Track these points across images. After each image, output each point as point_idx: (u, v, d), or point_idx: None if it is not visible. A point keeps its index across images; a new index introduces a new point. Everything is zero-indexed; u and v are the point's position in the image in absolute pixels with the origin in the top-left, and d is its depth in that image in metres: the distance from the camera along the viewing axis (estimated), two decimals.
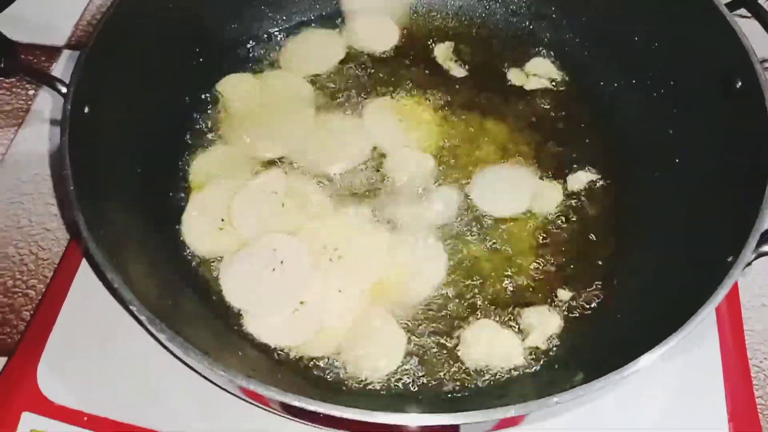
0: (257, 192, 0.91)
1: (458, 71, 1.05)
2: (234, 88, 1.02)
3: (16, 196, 1.04)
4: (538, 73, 1.04)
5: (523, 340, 0.83)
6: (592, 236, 0.91)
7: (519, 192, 0.92)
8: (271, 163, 0.95)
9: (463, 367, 0.81)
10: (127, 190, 0.84)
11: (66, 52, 1.19)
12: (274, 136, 0.97)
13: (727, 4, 0.85)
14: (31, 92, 1.15)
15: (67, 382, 0.81)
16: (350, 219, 0.89)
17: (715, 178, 0.82)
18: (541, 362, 0.81)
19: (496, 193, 0.92)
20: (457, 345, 0.82)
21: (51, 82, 0.77)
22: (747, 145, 0.78)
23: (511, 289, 0.86)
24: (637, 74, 0.97)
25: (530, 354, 0.82)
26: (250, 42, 1.07)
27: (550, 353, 0.82)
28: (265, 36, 1.08)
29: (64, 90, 0.77)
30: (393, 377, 0.80)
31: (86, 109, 0.77)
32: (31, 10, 1.20)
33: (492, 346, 0.82)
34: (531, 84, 1.03)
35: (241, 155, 0.96)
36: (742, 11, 0.86)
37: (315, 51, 1.05)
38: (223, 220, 0.88)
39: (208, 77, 1.02)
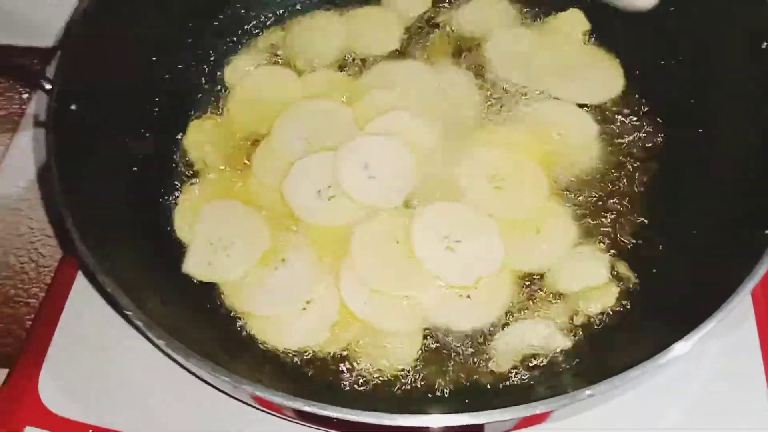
0: None
1: None
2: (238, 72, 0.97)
3: (14, 203, 1.02)
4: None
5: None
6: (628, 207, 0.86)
7: None
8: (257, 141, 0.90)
9: (490, 358, 0.77)
10: (120, 190, 0.81)
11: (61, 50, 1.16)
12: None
13: None
14: (25, 96, 1.13)
15: (70, 394, 0.79)
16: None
17: (746, 150, 0.78)
18: (572, 352, 0.77)
19: None
20: (482, 335, 0.78)
21: (35, 80, 0.74)
22: None
23: None
24: (661, 49, 0.91)
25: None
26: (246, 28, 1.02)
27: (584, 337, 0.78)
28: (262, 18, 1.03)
29: (49, 87, 0.74)
30: (409, 374, 0.76)
31: (73, 107, 0.74)
32: (20, 12, 1.17)
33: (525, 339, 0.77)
34: None
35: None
36: None
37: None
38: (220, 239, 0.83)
39: (206, 69, 0.98)
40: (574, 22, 0.98)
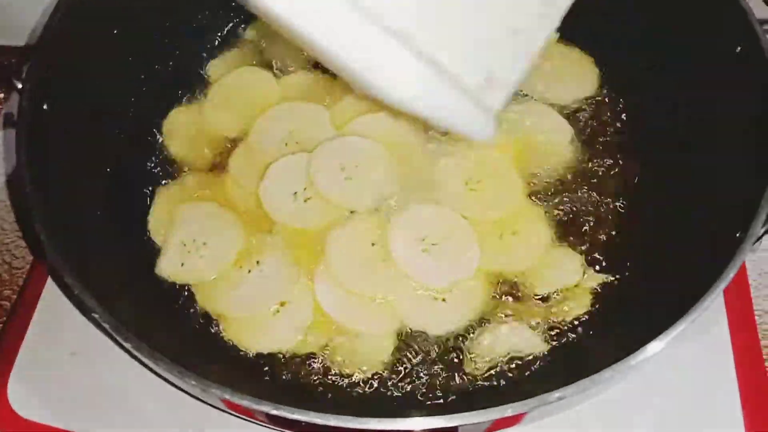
0: None
1: None
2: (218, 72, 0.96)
3: None
4: None
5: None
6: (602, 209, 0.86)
7: None
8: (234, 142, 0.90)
9: (465, 361, 0.77)
10: (93, 191, 0.79)
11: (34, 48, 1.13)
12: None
13: None
14: (1, 95, 1.11)
15: (39, 398, 0.78)
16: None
17: (720, 151, 0.78)
18: (546, 355, 0.77)
19: None
20: (457, 338, 0.78)
21: (6, 77, 0.73)
22: (752, 113, 0.74)
23: None
24: (635, 48, 0.91)
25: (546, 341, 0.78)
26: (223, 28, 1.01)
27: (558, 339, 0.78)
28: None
29: (20, 86, 0.73)
30: (383, 376, 0.76)
31: (45, 106, 0.73)
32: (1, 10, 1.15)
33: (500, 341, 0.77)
34: None
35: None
36: None
37: None
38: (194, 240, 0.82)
39: (184, 69, 0.97)
40: None
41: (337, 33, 0.56)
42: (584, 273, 0.81)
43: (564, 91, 0.93)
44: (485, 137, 0.74)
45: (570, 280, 0.80)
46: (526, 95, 0.93)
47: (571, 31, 0.94)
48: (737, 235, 0.64)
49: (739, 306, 0.83)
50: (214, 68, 0.97)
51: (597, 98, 0.94)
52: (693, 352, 0.79)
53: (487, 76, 0.65)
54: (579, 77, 0.95)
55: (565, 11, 0.64)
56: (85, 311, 0.66)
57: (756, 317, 0.84)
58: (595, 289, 0.80)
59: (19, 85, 0.73)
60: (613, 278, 0.80)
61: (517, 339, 0.77)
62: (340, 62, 0.58)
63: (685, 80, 0.85)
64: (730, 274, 0.63)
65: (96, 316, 0.59)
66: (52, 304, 0.84)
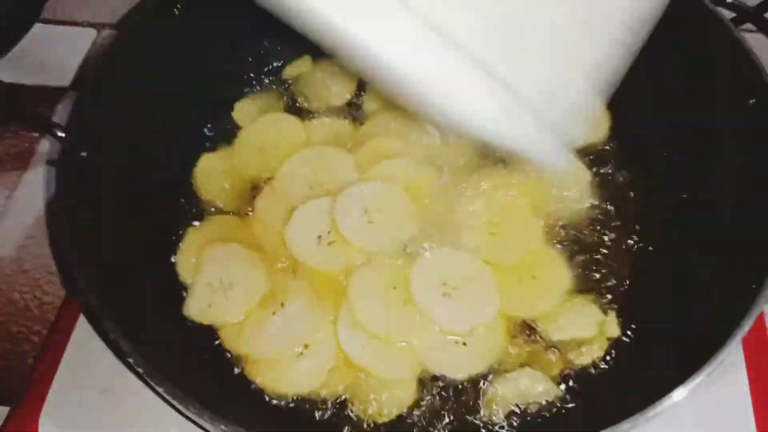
0: None
1: None
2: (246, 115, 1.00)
3: (21, 240, 1.03)
4: None
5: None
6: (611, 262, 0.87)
7: None
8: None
9: (483, 407, 0.78)
10: (126, 232, 0.82)
11: (72, 93, 1.18)
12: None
13: (731, 20, 0.82)
14: (35, 134, 1.15)
15: None
16: None
17: (735, 201, 0.79)
18: (565, 403, 0.77)
19: None
20: (476, 383, 0.79)
21: (48, 127, 0.76)
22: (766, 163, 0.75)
23: None
24: (646, 102, 0.94)
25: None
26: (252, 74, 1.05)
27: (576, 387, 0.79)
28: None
29: (62, 134, 0.76)
30: (404, 420, 0.77)
31: (83, 153, 0.76)
32: (36, 51, 1.20)
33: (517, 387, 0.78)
34: None
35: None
36: (748, 26, 0.83)
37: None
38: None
39: (214, 113, 1.01)
40: None
41: (424, 60, 0.58)
42: (603, 323, 0.82)
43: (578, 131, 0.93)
44: (560, 166, 0.79)
45: (586, 331, 0.81)
46: None
47: None
48: (753, 287, 0.66)
49: (757, 354, 0.83)
50: (240, 112, 1.01)
51: (613, 143, 0.96)
52: (712, 399, 0.79)
53: (566, 107, 0.69)
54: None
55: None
56: (120, 355, 0.68)
57: None
58: (612, 338, 0.81)
59: (60, 134, 0.77)
60: (630, 333, 0.81)
61: (533, 386, 0.78)
62: (419, 89, 0.60)
63: (690, 131, 0.87)
64: (746, 325, 0.64)
65: (131, 360, 0.61)
66: (84, 340, 0.86)
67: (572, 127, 0.71)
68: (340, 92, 1.02)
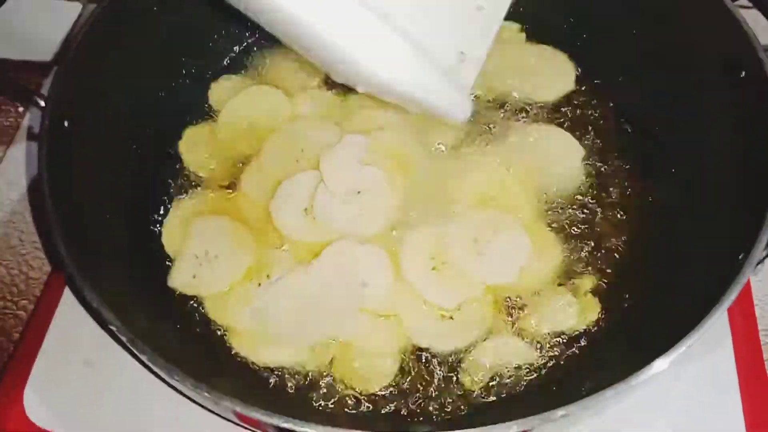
0: None
1: None
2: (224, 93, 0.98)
3: (6, 215, 1.02)
4: None
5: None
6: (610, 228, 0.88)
7: None
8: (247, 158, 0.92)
9: (466, 380, 0.78)
10: (111, 205, 0.82)
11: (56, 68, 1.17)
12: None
13: None
14: (21, 109, 1.14)
15: (54, 408, 0.79)
16: None
17: (723, 174, 0.79)
18: (547, 370, 0.78)
19: None
20: (459, 354, 0.79)
21: (29, 96, 0.75)
22: (755, 136, 0.75)
23: None
24: (638, 71, 0.93)
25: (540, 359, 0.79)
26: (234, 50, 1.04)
27: (556, 359, 0.79)
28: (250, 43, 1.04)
29: (43, 104, 0.75)
30: (388, 392, 0.77)
31: (66, 123, 0.75)
32: (19, 26, 1.18)
33: (500, 355, 0.78)
34: None
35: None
36: (743, 1, 0.83)
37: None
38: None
39: (199, 86, 0.99)
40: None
41: (324, 11, 0.65)
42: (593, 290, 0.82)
43: (547, 89, 0.97)
44: (463, 116, 0.85)
45: (567, 324, 0.81)
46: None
47: (541, 30, 0.99)
48: (739, 257, 0.66)
49: (743, 326, 0.84)
50: (215, 92, 0.99)
51: (578, 95, 0.97)
52: (698, 372, 0.80)
53: (458, 51, 0.77)
54: (557, 73, 0.98)
55: None
56: (102, 324, 0.68)
57: (761, 337, 0.85)
58: (602, 306, 0.81)
59: (42, 103, 0.76)
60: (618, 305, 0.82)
61: (511, 351, 0.78)
62: (325, 41, 0.66)
63: (681, 105, 0.87)
64: (732, 295, 0.64)
65: (113, 329, 0.61)
66: (69, 313, 0.86)
67: (470, 72, 0.79)
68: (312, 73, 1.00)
